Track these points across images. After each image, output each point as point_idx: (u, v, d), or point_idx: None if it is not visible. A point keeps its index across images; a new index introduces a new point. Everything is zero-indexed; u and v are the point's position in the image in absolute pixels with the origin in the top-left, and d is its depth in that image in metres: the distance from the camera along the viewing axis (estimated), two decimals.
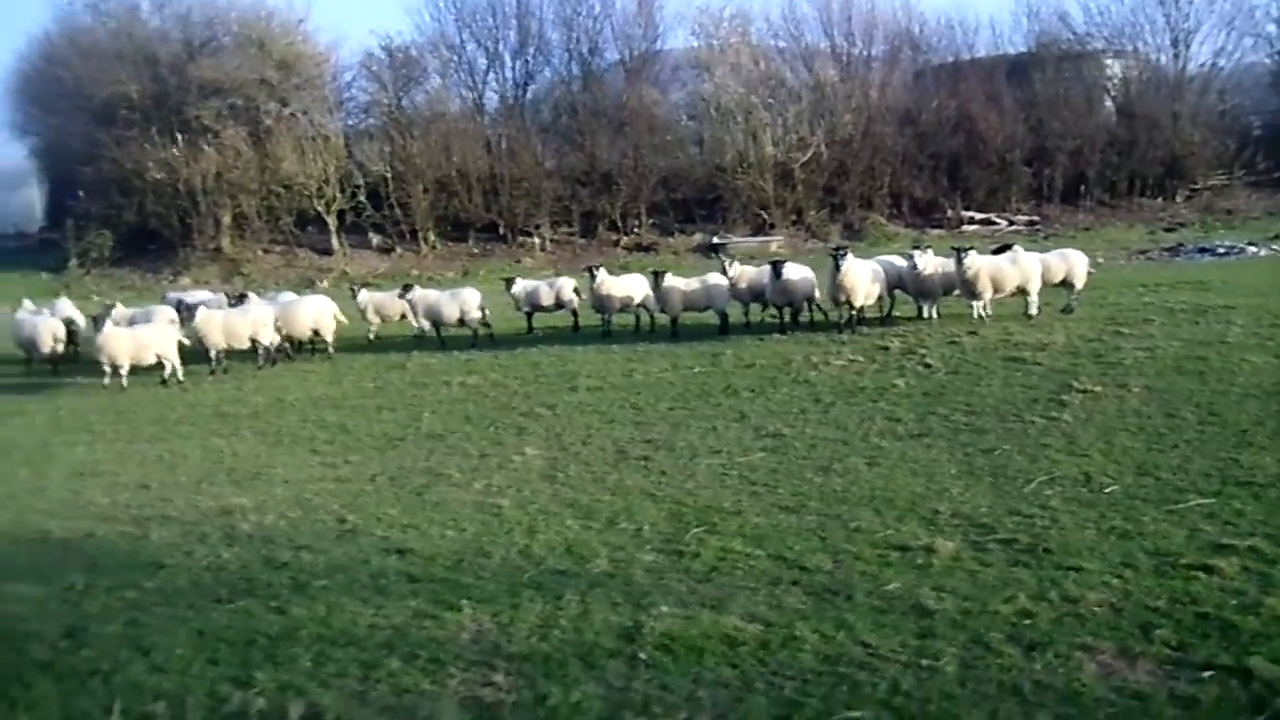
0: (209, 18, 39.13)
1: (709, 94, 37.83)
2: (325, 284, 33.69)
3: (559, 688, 4.96)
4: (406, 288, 19.75)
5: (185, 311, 17.87)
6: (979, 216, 37.91)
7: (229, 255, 36.58)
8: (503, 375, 15.68)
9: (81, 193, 37.18)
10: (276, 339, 18.41)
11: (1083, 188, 39.26)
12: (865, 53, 39.61)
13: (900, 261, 17.79)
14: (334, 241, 36.46)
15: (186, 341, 17.51)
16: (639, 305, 19.29)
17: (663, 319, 18.53)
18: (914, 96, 38.73)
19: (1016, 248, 18.42)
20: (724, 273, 18.08)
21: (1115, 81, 41.71)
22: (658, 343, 17.38)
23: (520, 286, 20.54)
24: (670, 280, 18.26)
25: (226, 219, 36.53)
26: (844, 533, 7.20)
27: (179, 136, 36.51)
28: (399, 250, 36.76)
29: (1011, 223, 37.67)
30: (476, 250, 37.07)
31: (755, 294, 18.81)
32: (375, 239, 36.70)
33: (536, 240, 36.45)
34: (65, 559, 7.65)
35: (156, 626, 6.05)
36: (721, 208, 37.40)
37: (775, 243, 35.91)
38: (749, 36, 38.41)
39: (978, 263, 16.38)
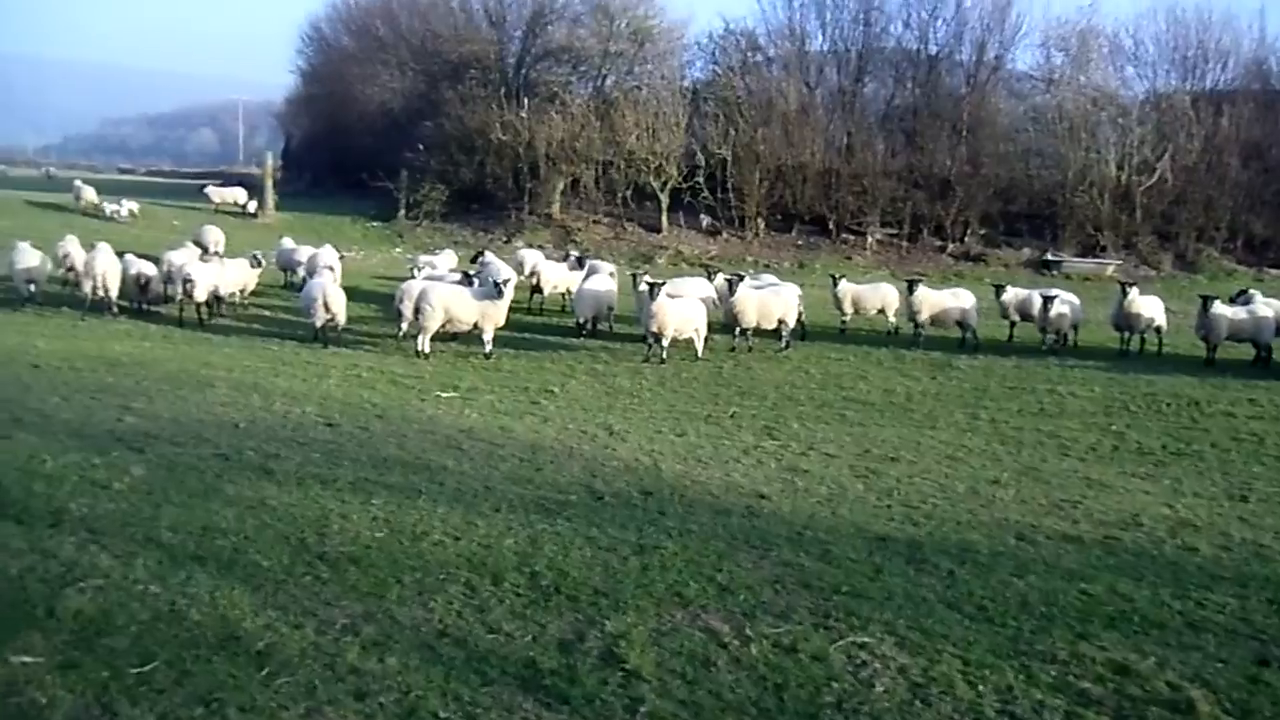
0: None
1: (1053, 107, 36.92)
2: (662, 262, 33.93)
3: None
4: (912, 284, 19.55)
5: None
6: None
7: (559, 222, 37.16)
8: (1104, 389, 15.46)
9: (421, 146, 38.13)
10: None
11: None
12: (1215, 79, 38.24)
13: None
14: (663, 219, 36.69)
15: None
16: (1156, 327, 18.89)
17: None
18: (1264, 129, 37.12)
19: None
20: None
21: None
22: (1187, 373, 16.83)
23: (1011, 294, 20.27)
24: (1219, 308, 17.79)
25: (560, 186, 37.10)
26: None
27: (525, 100, 37.18)
28: (725, 234, 36.83)
29: None
30: (800, 242, 36.92)
31: None
32: (706, 220, 36.81)
33: (870, 238, 36.08)
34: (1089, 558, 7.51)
35: None
36: (1053, 224, 36.46)
37: (1112, 266, 34.90)
38: (1099, 53, 37.34)
39: None
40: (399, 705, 4.73)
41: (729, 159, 36.09)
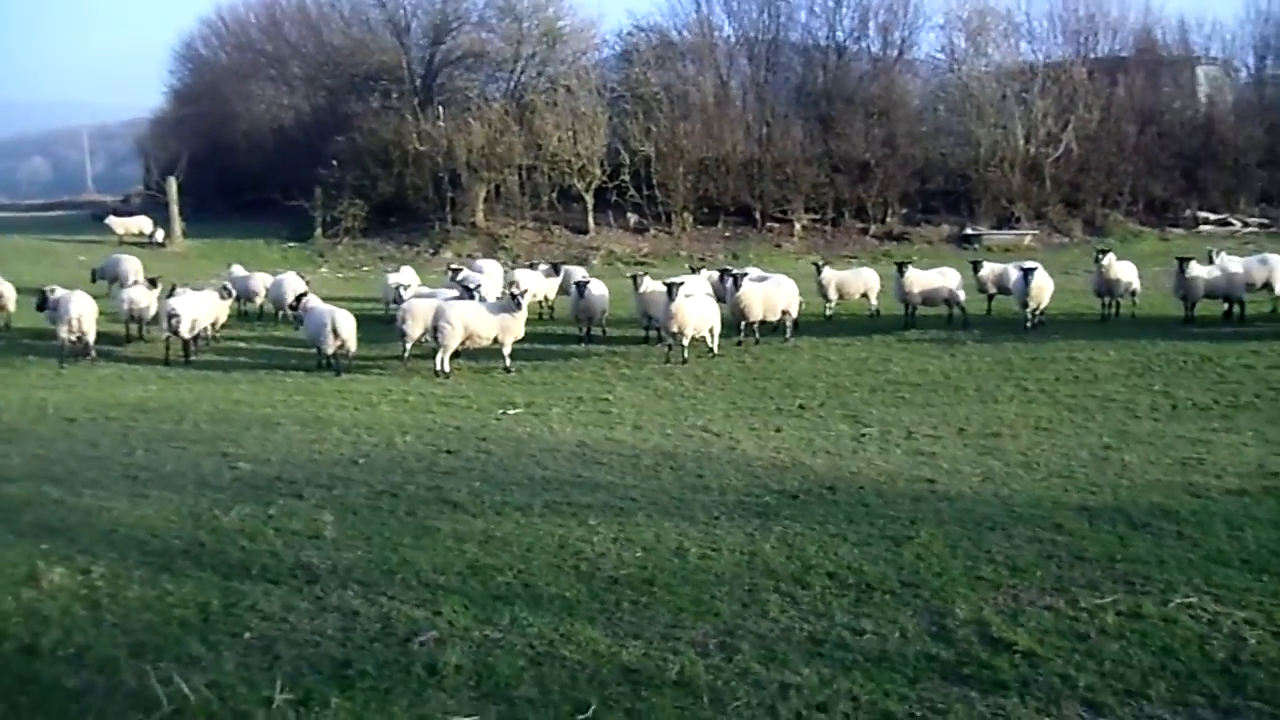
0: None
1: (959, 87, 38.42)
2: (596, 262, 33.85)
3: None
4: (901, 267, 20.10)
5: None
6: (1214, 217, 38.63)
7: (485, 230, 36.71)
8: (1119, 353, 16.07)
9: (335, 161, 37.07)
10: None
11: None
12: (1108, 50, 40.44)
13: None
14: (590, 220, 36.65)
15: None
16: (1133, 290, 19.91)
17: None
18: (1155, 96, 39.46)
19: None
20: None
21: None
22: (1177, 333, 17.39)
23: (988, 269, 21.01)
24: (1195, 268, 18.80)
25: (483, 193, 36.67)
26: None
27: (440, 109, 36.55)
28: (652, 230, 37.01)
29: (1246, 224, 38.47)
30: (728, 234, 37.41)
31: None
32: (633, 218, 36.92)
33: (796, 225, 36.84)
34: None
35: None
36: (969, 200, 37.92)
37: (1029, 237, 36.55)
38: (996, 30, 39.07)
39: None
40: (869, 716, 4.76)
41: (652, 155, 36.25)
